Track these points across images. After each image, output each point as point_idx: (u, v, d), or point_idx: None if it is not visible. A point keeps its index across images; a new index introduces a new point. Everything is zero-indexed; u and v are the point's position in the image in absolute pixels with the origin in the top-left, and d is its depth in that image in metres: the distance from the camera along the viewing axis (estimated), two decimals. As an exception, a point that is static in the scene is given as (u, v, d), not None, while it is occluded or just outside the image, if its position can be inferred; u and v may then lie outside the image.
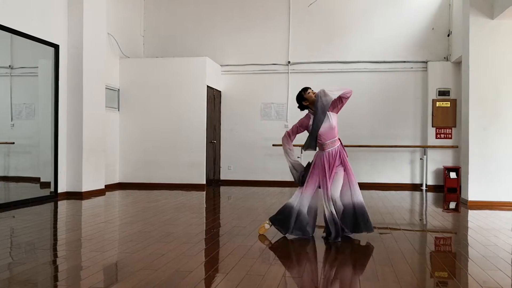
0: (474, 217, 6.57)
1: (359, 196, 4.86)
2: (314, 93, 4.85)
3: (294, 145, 5.02)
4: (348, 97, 4.83)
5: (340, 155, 4.89)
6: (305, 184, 4.89)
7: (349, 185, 4.89)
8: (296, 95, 5.03)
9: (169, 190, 9.35)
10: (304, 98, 4.90)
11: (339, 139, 4.95)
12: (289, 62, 10.65)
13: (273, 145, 10.17)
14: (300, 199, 4.85)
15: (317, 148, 4.94)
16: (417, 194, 9.37)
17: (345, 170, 4.91)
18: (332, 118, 4.83)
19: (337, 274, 3.73)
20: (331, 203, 4.74)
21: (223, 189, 10.02)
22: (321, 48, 10.53)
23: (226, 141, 10.99)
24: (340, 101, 4.83)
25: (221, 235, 5.22)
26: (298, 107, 5.02)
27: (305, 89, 4.92)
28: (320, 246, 4.53)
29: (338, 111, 4.92)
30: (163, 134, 10.00)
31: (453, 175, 9.66)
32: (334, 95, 4.69)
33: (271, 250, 4.42)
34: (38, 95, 7.95)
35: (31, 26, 7.33)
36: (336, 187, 4.83)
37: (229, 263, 3.92)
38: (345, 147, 5.06)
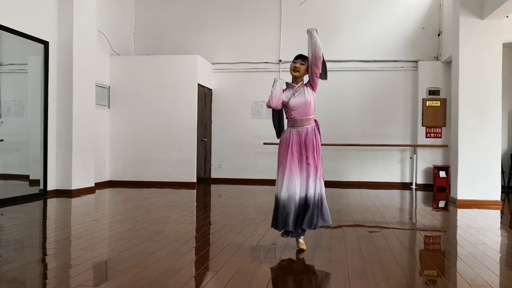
0: (463, 215, 6.62)
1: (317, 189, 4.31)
2: (295, 67, 4.36)
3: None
4: (319, 59, 4.26)
5: (312, 138, 4.36)
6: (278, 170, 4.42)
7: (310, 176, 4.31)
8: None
9: (160, 188, 9.32)
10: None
11: (315, 120, 4.46)
12: (280, 60, 10.65)
13: (264, 143, 10.16)
14: (280, 186, 4.33)
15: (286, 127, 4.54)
16: (407, 193, 9.42)
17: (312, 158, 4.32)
18: (309, 94, 4.34)
19: (327, 272, 3.74)
20: (287, 191, 4.26)
21: (213, 187, 10.01)
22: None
23: (217, 139, 10.97)
24: (314, 74, 4.33)
25: (211, 233, 5.22)
26: None
27: (296, 58, 4.43)
28: (310, 243, 4.54)
29: (315, 87, 4.39)
30: (153, 132, 9.96)
31: (442, 174, 9.72)
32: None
33: (261, 249, 4.42)
34: (28, 92, 7.88)
35: (20, 23, 7.26)
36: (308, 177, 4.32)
37: (219, 262, 3.92)
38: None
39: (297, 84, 4.43)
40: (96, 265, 3.86)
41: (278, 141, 4.57)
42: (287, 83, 4.49)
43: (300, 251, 4.31)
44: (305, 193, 4.27)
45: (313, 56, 4.25)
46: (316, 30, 4.30)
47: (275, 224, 4.38)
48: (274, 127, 4.68)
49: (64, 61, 8.15)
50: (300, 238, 4.38)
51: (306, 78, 4.51)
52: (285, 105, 4.43)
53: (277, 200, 4.33)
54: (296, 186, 4.27)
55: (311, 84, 4.39)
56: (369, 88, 10.46)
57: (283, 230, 4.33)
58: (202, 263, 3.98)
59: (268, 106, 4.45)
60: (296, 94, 4.38)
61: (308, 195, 4.27)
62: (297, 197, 4.25)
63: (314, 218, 4.25)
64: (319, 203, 4.29)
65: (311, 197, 4.26)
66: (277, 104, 4.40)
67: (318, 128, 4.45)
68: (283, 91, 4.43)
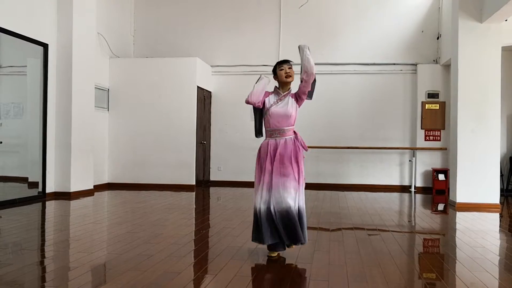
0: (462, 218, 6.62)
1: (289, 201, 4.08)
2: (287, 73, 4.19)
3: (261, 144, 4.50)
4: (310, 80, 4.13)
5: (291, 149, 4.18)
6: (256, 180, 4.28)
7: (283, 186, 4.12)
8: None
9: (158, 191, 9.31)
10: (275, 72, 4.28)
11: (295, 132, 4.27)
12: (279, 63, 10.65)
13: (263, 146, 10.16)
14: (258, 198, 4.15)
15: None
16: (406, 195, 9.42)
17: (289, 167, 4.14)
18: (292, 106, 4.20)
19: (326, 275, 3.73)
20: (264, 203, 4.11)
21: (212, 190, 10.00)
22: (311, 50, 10.53)
23: (216, 142, 10.97)
24: (302, 93, 4.21)
25: (210, 236, 5.21)
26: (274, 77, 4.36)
27: (280, 63, 4.26)
28: (308, 248, 4.53)
29: (301, 103, 4.27)
30: (152, 134, 9.96)
31: (441, 177, 9.73)
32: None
33: (260, 251, 4.41)
34: (27, 95, 7.88)
35: (20, 25, 7.27)
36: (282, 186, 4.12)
37: (218, 264, 3.91)
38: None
39: (283, 92, 4.26)
40: (94, 267, 3.85)
41: None
42: (274, 88, 4.33)
43: (274, 257, 4.16)
44: (284, 205, 4.04)
45: (307, 74, 4.11)
46: (308, 47, 4.18)
47: (258, 238, 4.16)
48: (255, 126, 4.48)
49: (63, 63, 8.15)
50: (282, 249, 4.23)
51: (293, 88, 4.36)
52: (265, 111, 4.26)
53: (257, 213, 4.12)
54: (273, 198, 4.07)
55: (297, 98, 4.24)
56: (368, 91, 10.47)
57: (269, 246, 4.17)
58: (201, 266, 3.97)
59: (247, 102, 4.21)
60: (279, 103, 4.22)
61: (285, 208, 4.04)
62: (276, 210, 4.05)
63: (296, 233, 4.05)
64: (299, 217, 4.09)
65: (289, 210, 4.03)
66: (256, 100, 4.18)
67: (298, 140, 4.24)
68: (268, 94, 4.27)
